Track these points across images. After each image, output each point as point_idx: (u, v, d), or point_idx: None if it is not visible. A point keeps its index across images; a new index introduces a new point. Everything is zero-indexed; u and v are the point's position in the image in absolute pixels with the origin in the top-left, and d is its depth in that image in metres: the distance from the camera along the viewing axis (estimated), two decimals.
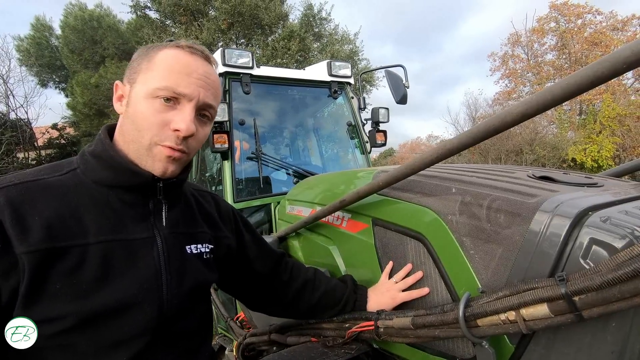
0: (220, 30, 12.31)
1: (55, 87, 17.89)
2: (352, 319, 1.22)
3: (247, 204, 2.47)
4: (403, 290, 1.14)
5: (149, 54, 0.84)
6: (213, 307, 2.71)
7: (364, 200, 1.24)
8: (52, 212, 0.72)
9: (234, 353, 1.82)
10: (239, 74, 2.56)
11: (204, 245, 0.95)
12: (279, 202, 2.30)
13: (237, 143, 2.60)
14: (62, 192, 0.76)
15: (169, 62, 0.81)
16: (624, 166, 1.58)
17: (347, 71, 3.08)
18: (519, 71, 22.29)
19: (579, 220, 0.78)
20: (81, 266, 0.72)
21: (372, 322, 1.12)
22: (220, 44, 12.31)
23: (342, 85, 3.10)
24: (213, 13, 12.71)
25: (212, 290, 2.74)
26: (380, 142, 3.08)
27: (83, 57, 14.77)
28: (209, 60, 0.87)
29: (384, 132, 3.10)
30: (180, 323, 0.86)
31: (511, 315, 0.79)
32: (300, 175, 2.73)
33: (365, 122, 3.19)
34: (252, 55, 2.60)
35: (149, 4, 13.24)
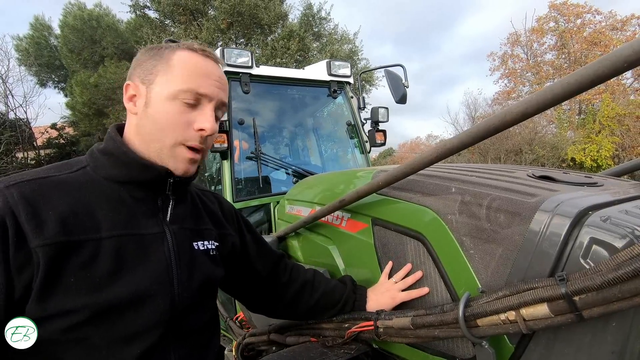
0: (220, 29, 12.30)
1: (55, 87, 17.89)
2: (351, 319, 1.22)
3: (246, 204, 2.47)
4: (403, 290, 1.14)
5: (164, 55, 0.86)
6: None
7: (363, 200, 1.24)
8: (65, 207, 0.74)
9: (233, 353, 1.82)
10: (238, 73, 2.56)
11: (210, 242, 0.97)
12: (278, 202, 2.30)
13: (236, 143, 2.60)
14: (75, 188, 0.78)
15: (188, 65, 0.85)
16: (624, 166, 1.58)
17: (346, 71, 3.08)
18: (518, 71, 22.31)
19: (579, 220, 0.78)
20: (95, 260, 0.74)
21: (371, 322, 1.12)
22: (219, 43, 12.31)
23: (341, 85, 3.10)
24: (212, 13, 12.71)
25: None
26: (379, 142, 3.08)
27: (82, 57, 14.76)
28: (219, 62, 0.92)
29: (384, 131, 3.10)
30: (191, 317, 0.88)
31: (511, 315, 0.78)
32: (299, 175, 2.72)
33: (364, 121, 3.18)
34: (252, 55, 2.60)
35: (148, 4, 13.24)
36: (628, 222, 0.75)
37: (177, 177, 0.87)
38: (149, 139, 0.85)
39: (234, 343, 1.90)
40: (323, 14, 13.93)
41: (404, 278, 1.15)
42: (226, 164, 2.46)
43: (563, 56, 20.64)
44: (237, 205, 2.41)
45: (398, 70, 2.80)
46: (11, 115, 12.97)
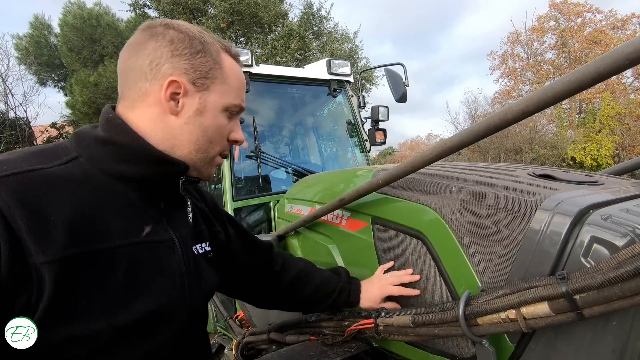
0: (220, 28, 12.29)
1: (54, 86, 17.85)
2: (351, 317, 1.22)
3: (246, 203, 2.47)
4: (396, 286, 1.14)
5: (215, 58, 0.79)
6: (212, 306, 2.72)
7: (363, 199, 1.24)
8: (70, 210, 0.61)
9: (233, 352, 1.82)
10: None
11: (206, 244, 0.92)
12: (278, 201, 2.29)
13: None
14: (74, 186, 0.65)
15: (237, 77, 0.84)
16: (624, 164, 1.58)
17: (346, 69, 3.07)
18: (518, 70, 22.30)
19: (579, 219, 0.78)
20: (109, 273, 0.64)
21: (371, 320, 1.12)
22: None
23: (341, 84, 3.10)
24: (212, 11, 12.69)
25: None
26: (379, 141, 3.07)
27: (82, 56, 14.73)
28: None
29: (384, 130, 3.10)
30: (196, 327, 0.86)
31: (511, 313, 0.78)
32: (299, 174, 2.72)
33: (364, 120, 3.18)
34: (252, 54, 2.59)
35: (147, 3, 13.24)
36: (629, 221, 0.74)
37: (191, 177, 0.83)
38: (195, 148, 0.79)
39: (234, 342, 1.90)
40: (323, 12, 13.92)
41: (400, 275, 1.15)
42: (226, 163, 2.45)
43: (563, 55, 20.63)
44: (237, 205, 2.41)
45: (398, 69, 2.80)
46: (11, 114, 12.96)
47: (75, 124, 15.73)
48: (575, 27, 19.94)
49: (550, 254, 0.78)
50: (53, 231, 0.58)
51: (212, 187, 2.84)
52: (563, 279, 0.71)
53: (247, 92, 2.57)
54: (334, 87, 3.03)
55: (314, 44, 13.75)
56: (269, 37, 12.87)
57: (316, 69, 3.05)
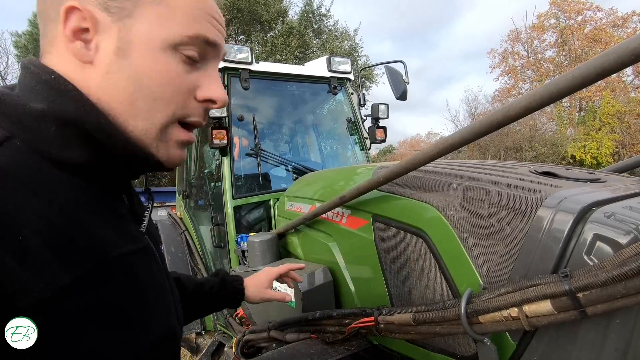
0: None
1: None
2: (352, 315, 1.21)
3: (246, 201, 2.46)
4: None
5: None
6: None
7: (364, 197, 1.23)
8: (43, 220, 0.42)
9: (233, 350, 1.82)
10: (237, 69, 2.54)
11: (161, 245, 0.77)
12: (278, 199, 2.29)
13: (236, 139, 2.59)
14: (29, 182, 0.44)
15: None
16: (625, 162, 1.57)
17: (346, 67, 3.06)
18: (518, 68, 22.25)
19: (582, 216, 0.77)
20: (108, 298, 0.46)
21: (372, 318, 1.11)
22: None
23: (341, 81, 3.08)
24: None
25: None
26: (380, 139, 3.06)
27: None
28: None
29: (384, 128, 3.09)
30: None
31: (514, 311, 0.78)
32: (299, 172, 2.71)
33: (365, 118, 3.17)
34: (251, 51, 2.58)
35: None
36: (632, 218, 0.74)
37: (169, 168, 0.58)
38: (132, 112, 0.51)
39: (234, 340, 1.89)
40: (323, 10, 13.88)
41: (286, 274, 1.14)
42: (226, 161, 2.45)
43: (564, 53, 20.58)
44: (237, 202, 2.41)
45: (398, 66, 2.79)
46: None
47: None
48: (575, 25, 19.89)
49: (552, 252, 0.78)
50: (37, 257, 0.40)
51: (212, 185, 2.84)
52: (566, 277, 0.71)
53: (246, 89, 2.60)
54: (334, 84, 3.02)
55: (314, 42, 13.72)
56: (269, 35, 12.83)
57: (316, 67, 3.04)
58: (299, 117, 3.34)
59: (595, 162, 16.41)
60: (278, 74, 2.79)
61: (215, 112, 2.17)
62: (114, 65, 0.50)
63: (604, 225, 0.74)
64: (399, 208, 1.18)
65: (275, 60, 11.22)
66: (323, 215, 1.49)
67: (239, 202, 2.43)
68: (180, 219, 3.40)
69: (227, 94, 2.49)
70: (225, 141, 2.27)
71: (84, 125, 0.49)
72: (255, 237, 1.84)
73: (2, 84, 12.70)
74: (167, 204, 5.84)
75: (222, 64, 2.45)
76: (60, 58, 0.51)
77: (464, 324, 0.85)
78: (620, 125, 17.00)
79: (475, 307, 0.84)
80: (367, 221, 1.30)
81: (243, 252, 2.11)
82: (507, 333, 0.88)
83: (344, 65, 3.05)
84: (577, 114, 19.60)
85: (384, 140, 3.10)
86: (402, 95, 2.73)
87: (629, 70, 17.55)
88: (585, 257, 0.74)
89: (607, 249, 0.72)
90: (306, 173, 2.52)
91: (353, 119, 3.15)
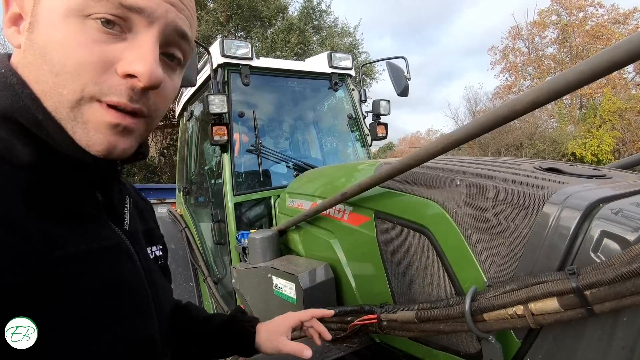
0: (219, 22, 12.20)
1: None
2: (354, 312, 1.21)
3: (246, 197, 2.45)
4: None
5: None
6: (212, 301, 2.71)
7: (365, 193, 1.22)
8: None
9: None
10: (238, 65, 2.52)
11: (157, 247, 0.71)
12: (279, 196, 2.28)
13: (236, 136, 2.57)
14: None
15: None
16: (628, 159, 1.56)
17: (347, 63, 3.04)
18: (519, 65, 22.19)
19: (589, 213, 0.76)
20: (50, 299, 0.43)
21: (375, 316, 1.11)
22: (219, 36, 12.20)
23: (342, 77, 3.07)
24: (212, 5, 12.58)
25: (211, 284, 2.73)
26: (381, 135, 3.05)
27: None
28: None
29: (385, 124, 3.07)
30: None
31: (519, 309, 0.77)
32: (300, 168, 2.70)
33: (365, 114, 3.15)
34: (251, 46, 2.56)
35: None
36: None
37: (113, 159, 0.51)
38: (42, 88, 0.47)
39: None
40: (323, 6, 13.81)
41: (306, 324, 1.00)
42: (226, 157, 2.43)
43: (565, 50, 20.51)
44: (237, 199, 2.40)
45: (400, 63, 2.77)
46: None
47: None
48: (577, 22, 19.81)
49: (559, 249, 0.77)
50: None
51: (212, 181, 2.82)
52: (573, 274, 0.70)
53: (246, 85, 2.59)
54: (335, 80, 3.00)
55: (314, 38, 13.66)
56: (269, 31, 12.77)
57: (317, 63, 3.02)
58: (299, 114, 3.32)
59: (596, 160, 16.40)
60: (278, 69, 2.77)
61: (215, 109, 2.15)
62: (27, 41, 0.48)
63: (611, 222, 0.73)
64: (401, 204, 1.17)
65: (275, 57, 11.17)
66: (324, 212, 1.48)
67: (240, 198, 2.42)
68: (181, 215, 3.40)
69: (228, 90, 2.48)
70: (225, 137, 2.25)
71: (19, 120, 0.46)
72: (256, 234, 1.83)
73: None
74: (167, 200, 5.83)
75: (222, 60, 2.43)
76: (15, 50, 0.51)
77: (468, 322, 0.84)
78: (621, 122, 16.98)
79: (480, 304, 0.83)
80: (369, 218, 1.29)
81: (244, 249, 2.10)
82: (511, 331, 0.87)
83: (345, 61, 3.03)
84: (578, 111, 19.56)
85: (385, 137, 3.08)
86: (403, 92, 2.71)
87: (630, 67, 17.50)
88: (592, 255, 0.73)
89: (615, 246, 0.70)
90: (307, 170, 2.51)
91: (354, 116, 3.13)
